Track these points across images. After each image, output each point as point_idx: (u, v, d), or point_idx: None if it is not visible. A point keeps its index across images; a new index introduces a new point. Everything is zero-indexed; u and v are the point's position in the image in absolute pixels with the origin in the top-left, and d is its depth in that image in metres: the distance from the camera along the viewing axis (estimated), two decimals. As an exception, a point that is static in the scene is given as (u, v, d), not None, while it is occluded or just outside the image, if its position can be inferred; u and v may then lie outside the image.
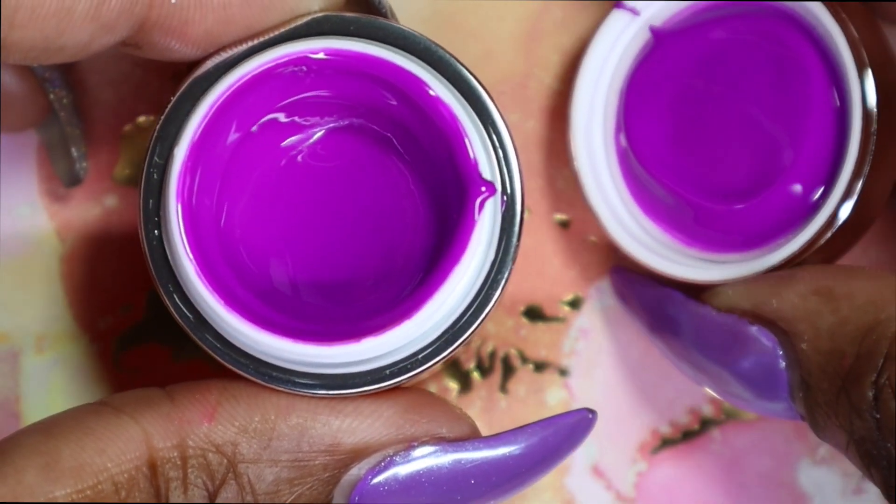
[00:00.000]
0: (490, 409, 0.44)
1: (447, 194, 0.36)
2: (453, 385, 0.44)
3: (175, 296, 0.35)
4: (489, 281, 0.35)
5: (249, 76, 0.35)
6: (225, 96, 0.35)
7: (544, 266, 0.44)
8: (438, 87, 0.35)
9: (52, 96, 0.41)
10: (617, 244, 0.41)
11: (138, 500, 0.33)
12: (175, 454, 0.34)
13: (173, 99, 0.35)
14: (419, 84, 0.35)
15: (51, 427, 0.34)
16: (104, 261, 0.43)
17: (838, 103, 0.39)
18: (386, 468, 0.35)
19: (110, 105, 0.43)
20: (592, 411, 0.36)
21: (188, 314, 0.35)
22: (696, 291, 0.40)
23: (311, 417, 0.35)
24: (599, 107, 0.42)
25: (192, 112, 0.35)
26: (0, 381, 0.43)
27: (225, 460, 0.34)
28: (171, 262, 0.35)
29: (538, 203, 0.44)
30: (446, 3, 0.44)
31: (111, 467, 0.33)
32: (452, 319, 0.35)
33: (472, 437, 0.36)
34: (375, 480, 0.35)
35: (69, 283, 0.43)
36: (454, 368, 0.44)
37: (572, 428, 0.36)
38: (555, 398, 0.44)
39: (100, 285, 0.43)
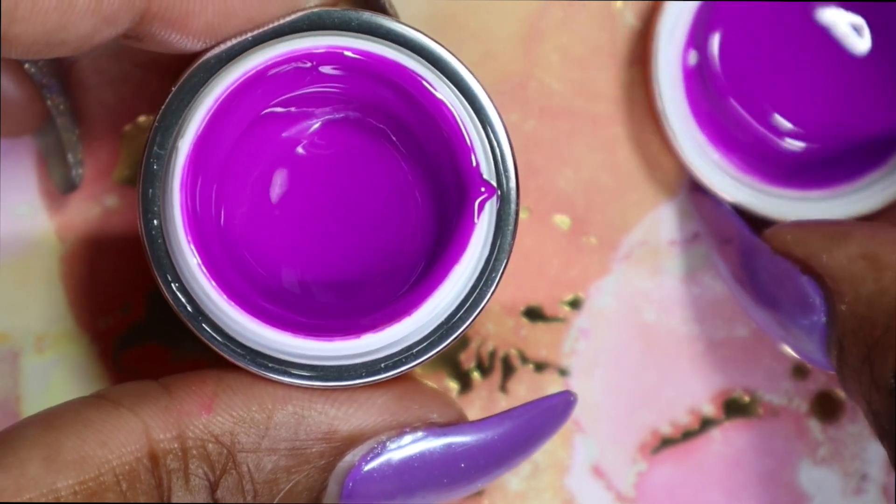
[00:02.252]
0: (490, 409, 0.44)
1: (446, 191, 0.36)
2: (453, 385, 0.44)
3: (173, 286, 0.35)
4: (483, 278, 0.36)
5: (253, 72, 0.35)
6: (229, 91, 0.35)
7: (544, 266, 0.44)
8: (441, 88, 0.35)
9: (49, 102, 0.41)
10: (693, 171, 0.42)
11: (140, 492, 0.34)
12: (175, 446, 0.34)
13: (174, 89, 0.35)
14: (423, 84, 0.35)
15: (51, 419, 0.34)
16: (104, 261, 0.43)
17: None
18: (379, 454, 0.36)
19: (110, 105, 0.43)
20: (573, 394, 0.37)
21: (186, 305, 0.35)
22: (761, 225, 0.41)
23: (307, 406, 0.35)
24: (682, 28, 0.42)
25: (195, 104, 0.35)
26: (0, 382, 0.43)
27: (224, 450, 0.35)
28: (170, 252, 0.35)
29: (538, 203, 0.44)
30: (446, 3, 0.44)
31: (113, 459, 0.33)
32: (447, 315, 0.35)
33: (460, 421, 0.37)
34: (368, 467, 0.36)
35: (69, 283, 0.43)
36: (454, 368, 0.44)
37: (555, 410, 0.37)
38: (555, 398, 0.44)
39: (100, 285, 0.43)
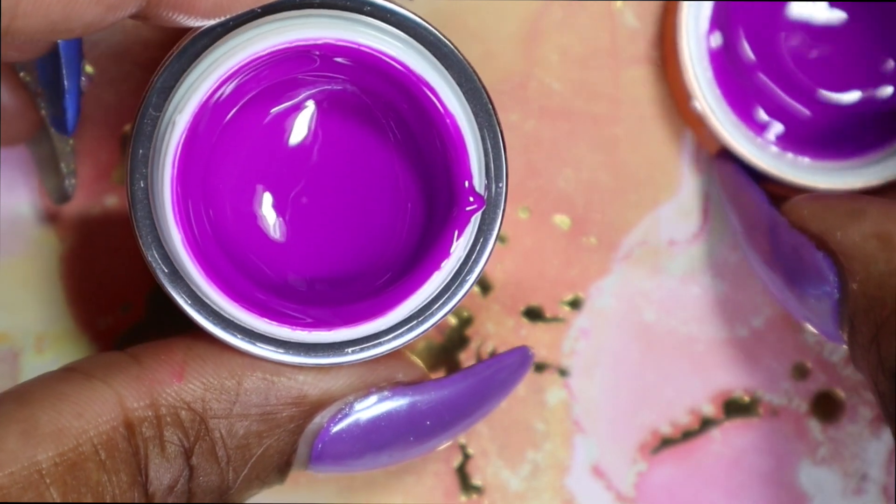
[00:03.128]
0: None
1: (437, 193, 0.37)
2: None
3: (153, 247, 0.35)
4: (459, 278, 0.36)
5: (258, 56, 0.34)
6: (231, 73, 0.34)
7: (544, 266, 0.44)
8: (446, 94, 0.35)
9: (43, 111, 0.41)
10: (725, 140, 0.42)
11: (119, 460, 0.34)
12: (150, 413, 0.35)
13: (173, 54, 0.35)
14: (430, 95, 0.35)
15: (24, 395, 0.34)
16: (104, 261, 0.43)
17: None
18: (347, 415, 0.37)
19: (110, 105, 0.43)
20: (530, 349, 0.39)
21: (164, 267, 0.35)
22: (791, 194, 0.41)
23: (276, 372, 0.36)
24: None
25: (192, 74, 0.34)
26: (0, 381, 0.43)
27: (197, 417, 0.35)
28: (154, 215, 0.35)
29: (538, 203, 0.44)
30: (446, 3, 0.43)
31: (90, 430, 0.34)
32: (419, 309, 0.36)
33: (424, 380, 0.38)
34: (337, 428, 0.36)
35: (69, 283, 0.43)
36: (454, 368, 0.44)
37: (514, 365, 0.38)
38: (555, 398, 0.44)
39: (100, 285, 0.43)
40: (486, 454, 0.44)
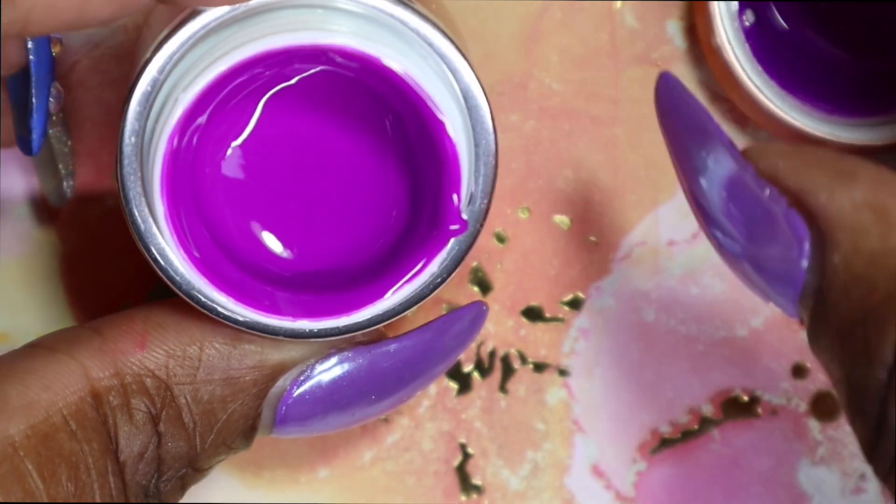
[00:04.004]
0: (490, 409, 0.44)
1: (422, 204, 0.37)
2: (453, 385, 0.44)
3: (133, 203, 0.35)
4: (430, 285, 0.36)
5: (265, 53, 0.34)
6: (236, 66, 0.34)
7: (544, 266, 0.44)
8: (451, 114, 0.35)
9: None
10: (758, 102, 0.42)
11: (89, 429, 0.34)
12: (115, 382, 0.35)
13: (182, 19, 0.35)
14: (435, 114, 0.35)
15: None
16: (104, 261, 0.43)
17: None
18: (309, 377, 0.37)
19: (111, 105, 0.43)
20: (484, 303, 0.38)
21: (140, 223, 0.35)
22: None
23: (237, 338, 0.36)
24: None
25: (205, 54, 0.34)
26: (0, 381, 0.43)
27: (162, 384, 0.36)
28: (143, 174, 0.35)
29: (538, 203, 0.44)
30: (446, 3, 0.43)
31: (58, 401, 0.34)
32: (382, 312, 0.37)
33: (382, 339, 0.38)
34: (299, 390, 0.37)
35: (69, 282, 0.43)
36: (453, 368, 0.44)
37: (470, 320, 0.38)
38: (554, 398, 0.44)
39: (100, 285, 0.43)
40: (486, 454, 0.44)
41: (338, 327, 0.36)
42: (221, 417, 0.36)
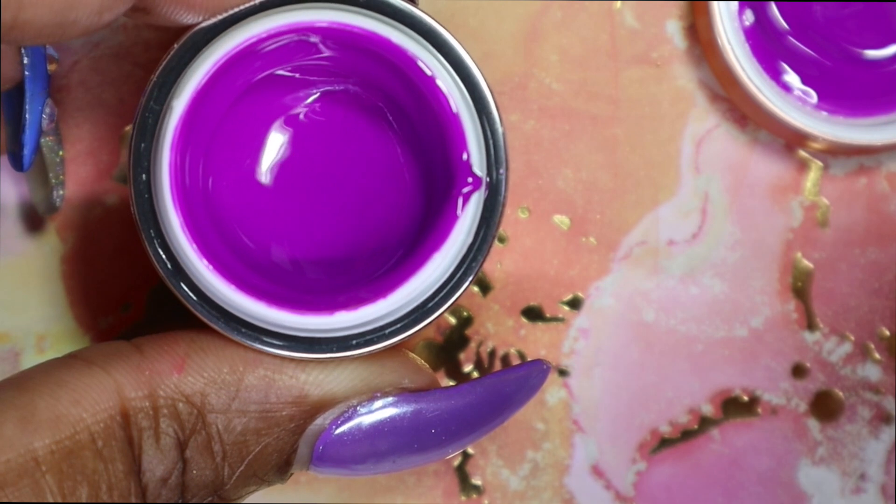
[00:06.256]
0: (490, 408, 0.44)
1: (435, 176, 0.37)
2: (453, 385, 0.44)
3: (156, 241, 0.35)
4: (463, 267, 0.36)
5: (254, 40, 0.35)
6: (228, 56, 0.35)
7: (544, 266, 0.44)
8: (442, 76, 0.35)
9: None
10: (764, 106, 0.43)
11: (115, 450, 0.34)
12: (147, 404, 0.35)
13: (176, 46, 0.35)
14: (424, 71, 0.35)
15: (23, 381, 0.34)
16: (104, 261, 0.43)
17: None
18: (349, 418, 0.36)
19: (111, 105, 0.43)
20: (547, 363, 0.37)
21: (166, 261, 0.35)
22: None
23: (278, 370, 0.36)
24: None
25: (194, 66, 0.35)
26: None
27: (195, 410, 0.35)
28: (156, 208, 0.35)
29: (538, 203, 0.44)
30: (446, 3, 0.44)
31: (87, 418, 0.34)
32: (423, 299, 0.36)
33: (432, 387, 0.37)
34: (339, 430, 0.36)
35: (69, 283, 0.43)
36: (453, 368, 0.44)
37: (527, 379, 0.37)
38: (554, 398, 0.44)
39: (100, 285, 0.43)
40: (486, 454, 0.44)
41: (380, 316, 0.35)
42: (254, 450, 0.36)
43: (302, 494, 0.44)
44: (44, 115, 0.38)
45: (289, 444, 0.36)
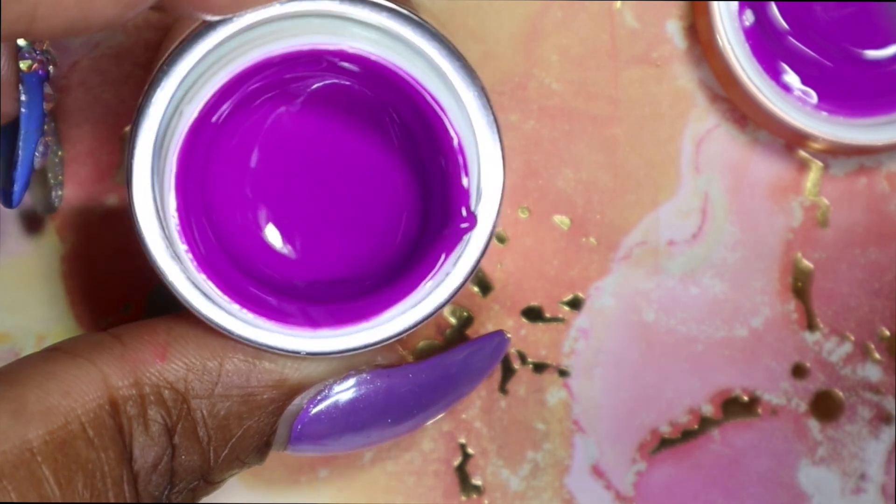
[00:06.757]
0: (490, 409, 0.44)
1: (433, 202, 0.37)
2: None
3: (144, 227, 0.35)
4: (446, 297, 0.36)
5: (273, 58, 0.34)
6: (241, 72, 0.34)
7: (544, 266, 0.44)
8: (454, 112, 0.35)
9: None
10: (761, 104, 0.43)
11: (106, 438, 0.34)
12: (133, 392, 0.35)
13: (186, 38, 0.35)
14: (441, 117, 0.35)
15: (11, 375, 0.35)
16: (104, 261, 0.43)
17: None
18: (326, 397, 0.37)
19: (111, 105, 0.43)
20: (506, 333, 0.39)
21: (160, 247, 0.35)
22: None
23: (258, 356, 0.36)
24: None
25: (206, 68, 0.34)
26: (0, 381, 0.43)
27: (179, 397, 0.36)
28: (154, 202, 0.35)
29: (538, 203, 0.44)
30: (446, 2, 0.44)
31: (77, 408, 0.34)
32: (404, 326, 0.36)
33: (402, 363, 0.38)
34: (316, 409, 0.37)
35: (69, 282, 0.43)
36: (454, 368, 0.44)
37: (489, 349, 0.39)
38: (554, 398, 0.44)
39: (100, 285, 0.43)
40: (486, 454, 0.44)
41: (357, 336, 0.36)
42: (236, 433, 0.36)
43: (302, 494, 0.44)
44: (36, 154, 0.38)
45: (269, 425, 0.37)
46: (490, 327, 0.44)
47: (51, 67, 0.37)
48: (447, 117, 0.35)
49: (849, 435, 0.44)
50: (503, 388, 0.44)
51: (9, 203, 0.38)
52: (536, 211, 0.44)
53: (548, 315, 0.44)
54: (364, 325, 0.36)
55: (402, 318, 0.36)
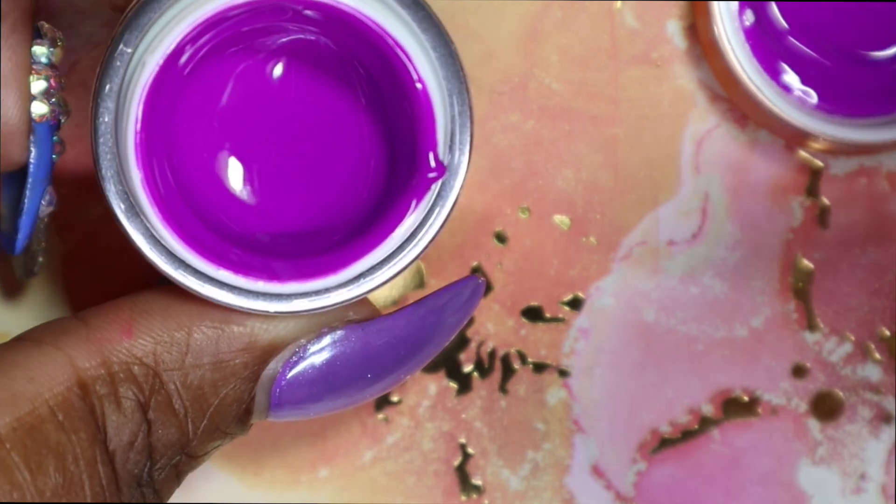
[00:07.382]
0: (490, 409, 0.44)
1: (400, 153, 0.37)
2: (453, 385, 0.44)
3: (112, 182, 0.35)
4: (412, 243, 0.36)
5: (234, 5, 0.34)
6: (206, 19, 0.34)
7: (544, 266, 0.44)
8: (419, 59, 0.35)
9: None
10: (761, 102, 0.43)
11: (76, 419, 0.34)
12: (102, 371, 0.35)
13: None
14: (404, 55, 0.35)
15: None
16: (104, 261, 0.43)
17: None
18: (301, 359, 0.36)
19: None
20: (480, 277, 0.38)
21: (121, 202, 0.35)
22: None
23: (225, 320, 0.36)
24: None
25: (170, 23, 0.34)
26: (0, 381, 0.43)
27: (150, 371, 0.36)
28: (116, 151, 0.35)
29: (538, 203, 0.44)
30: (446, 2, 0.44)
31: (44, 392, 0.34)
32: (368, 269, 0.36)
33: (376, 316, 0.37)
34: (293, 373, 0.36)
35: (69, 283, 0.43)
36: (453, 368, 0.44)
37: (465, 294, 0.38)
38: (554, 398, 0.44)
39: (100, 285, 0.43)
40: (486, 454, 0.44)
41: (327, 288, 0.36)
42: (213, 402, 0.36)
43: (302, 494, 0.44)
44: (42, 202, 0.38)
45: (246, 391, 0.36)
46: (490, 327, 0.44)
47: (62, 118, 0.37)
48: (412, 63, 0.35)
49: (849, 435, 0.44)
50: (503, 388, 0.44)
51: (11, 250, 0.38)
52: (536, 211, 0.44)
53: (548, 315, 0.44)
54: (332, 277, 0.35)
55: (374, 274, 0.36)
